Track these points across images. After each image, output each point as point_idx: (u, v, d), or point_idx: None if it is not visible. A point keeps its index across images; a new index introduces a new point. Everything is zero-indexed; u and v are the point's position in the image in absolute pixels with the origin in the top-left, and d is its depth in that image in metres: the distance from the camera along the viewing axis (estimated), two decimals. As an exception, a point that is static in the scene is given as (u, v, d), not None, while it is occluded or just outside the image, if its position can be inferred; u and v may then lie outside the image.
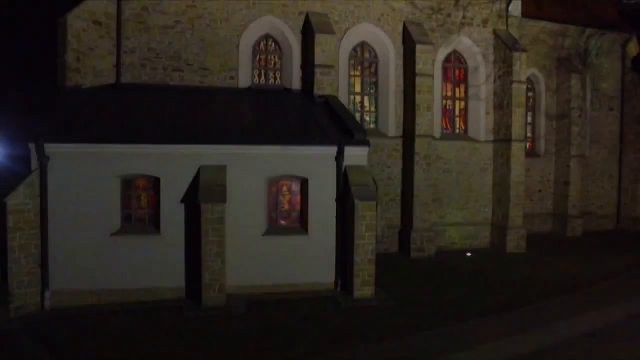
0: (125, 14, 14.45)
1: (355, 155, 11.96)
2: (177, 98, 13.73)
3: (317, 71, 14.86)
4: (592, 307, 11.25)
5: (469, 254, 16.51)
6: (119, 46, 14.41)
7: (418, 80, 15.86)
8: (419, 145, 15.90)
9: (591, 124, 21.29)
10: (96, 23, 14.12)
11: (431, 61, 16.23)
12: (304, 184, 12.11)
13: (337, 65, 15.67)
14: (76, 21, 13.77)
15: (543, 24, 19.90)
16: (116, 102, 12.98)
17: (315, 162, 11.90)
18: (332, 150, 11.84)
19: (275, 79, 16.11)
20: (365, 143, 11.99)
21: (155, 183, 11.48)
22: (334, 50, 15.33)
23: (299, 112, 13.72)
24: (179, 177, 11.29)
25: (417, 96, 15.87)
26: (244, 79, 15.39)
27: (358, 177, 11.77)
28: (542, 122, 20.37)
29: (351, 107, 16.62)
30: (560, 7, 20.67)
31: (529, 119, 19.92)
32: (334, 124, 12.89)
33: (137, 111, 12.59)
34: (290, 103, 14.46)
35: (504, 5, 17.71)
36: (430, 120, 16.10)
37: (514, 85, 16.78)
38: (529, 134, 19.87)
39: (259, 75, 15.93)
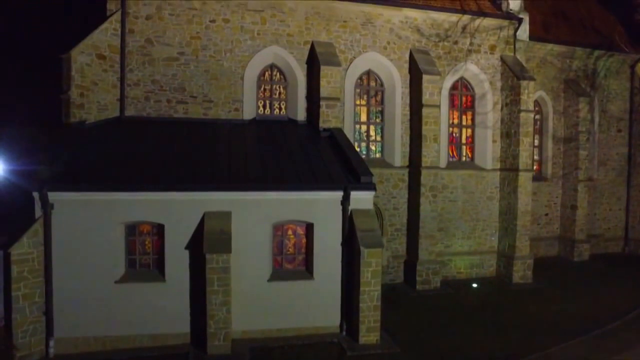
0: (129, 46, 14.34)
1: (361, 198, 11.82)
2: (180, 134, 13.62)
3: (323, 103, 14.71)
4: (601, 356, 11.12)
5: (474, 285, 16.38)
6: (122, 79, 14.30)
7: (424, 111, 15.68)
8: (425, 177, 15.73)
9: (599, 146, 21.13)
10: (100, 57, 14.02)
11: (438, 91, 16.03)
12: (309, 227, 11.98)
13: (342, 96, 15.54)
14: (80, 56, 13.67)
15: (550, 46, 19.67)
16: (120, 142, 12.83)
17: (321, 206, 11.79)
18: (338, 194, 11.72)
19: (280, 109, 15.92)
20: (371, 187, 11.84)
21: (159, 228, 11.38)
22: (340, 82, 15.14)
23: (304, 150, 13.53)
24: (184, 223, 11.20)
25: (424, 127, 15.69)
26: (249, 110, 15.25)
27: (364, 221, 11.65)
28: (549, 145, 20.19)
29: (357, 136, 16.50)
30: (568, 28, 20.50)
31: (536, 142, 19.70)
32: (340, 163, 12.74)
33: (140, 152, 12.44)
34: (295, 137, 14.30)
35: (511, 31, 17.46)
36: (436, 151, 15.92)
37: (522, 114, 16.56)
38: (535, 157, 19.69)
39: (264, 106, 15.76)
